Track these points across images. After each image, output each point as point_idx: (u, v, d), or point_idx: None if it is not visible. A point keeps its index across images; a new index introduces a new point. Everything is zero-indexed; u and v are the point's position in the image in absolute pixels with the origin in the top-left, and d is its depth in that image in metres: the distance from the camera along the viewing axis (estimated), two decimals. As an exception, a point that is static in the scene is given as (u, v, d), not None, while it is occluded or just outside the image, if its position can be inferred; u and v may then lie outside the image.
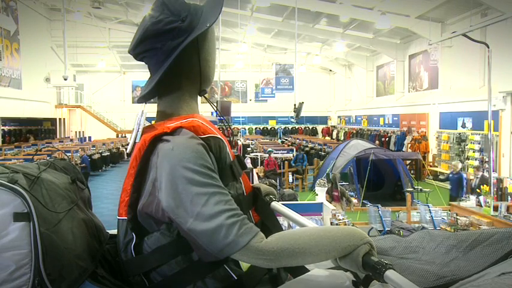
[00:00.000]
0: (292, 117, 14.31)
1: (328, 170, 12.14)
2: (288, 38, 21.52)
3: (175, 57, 1.10)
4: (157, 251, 1.06)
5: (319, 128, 30.69)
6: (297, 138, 22.79)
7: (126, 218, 1.08)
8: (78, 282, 1.01)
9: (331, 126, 30.25)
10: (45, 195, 1.03)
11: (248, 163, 14.16)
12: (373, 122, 23.49)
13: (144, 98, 1.18)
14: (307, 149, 18.42)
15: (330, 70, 29.61)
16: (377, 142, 19.51)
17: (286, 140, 24.96)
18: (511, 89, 11.70)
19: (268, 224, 1.24)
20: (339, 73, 28.57)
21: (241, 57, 25.92)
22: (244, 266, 1.09)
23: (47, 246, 0.96)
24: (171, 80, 1.15)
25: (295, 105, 12.98)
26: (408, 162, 15.02)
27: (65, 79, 13.76)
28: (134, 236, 1.07)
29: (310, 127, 30.57)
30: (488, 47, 7.13)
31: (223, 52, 24.01)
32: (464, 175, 10.29)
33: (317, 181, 8.62)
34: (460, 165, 10.55)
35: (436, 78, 16.88)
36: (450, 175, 10.63)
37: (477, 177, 9.80)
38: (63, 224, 1.03)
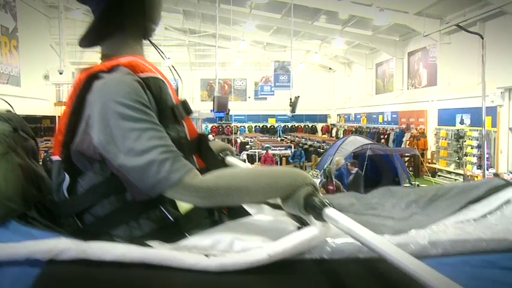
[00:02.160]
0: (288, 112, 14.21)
1: (325, 166, 12.07)
2: (287, 35, 21.39)
3: None
4: (89, 191, 1.02)
5: (319, 126, 30.62)
6: (296, 136, 22.71)
7: (59, 158, 1.04)
8: (1, 221, 0.97)
9: (331, 124, 30.18)
10: None
11: (245, 159, 14.14)
12: (372, 119, 23.39)
13: (83, 41, 1.15)
14: (306, 146, 18.35)
15: (330, 68, 29.51)
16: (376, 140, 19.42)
17: (285, 138, 24.87)
18: (509, 84, 11.62)
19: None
20: (339, 71, 28.47)
21: (241, 55, 25.86)
22: (183, 208, 1.05)
23: None
24: (112, 21, 1.11)
25: (290, 99, 12.93)
26: (407, 159, 14.94)
27: (60, 73, 13.71)
28: (67, 176, 1.03)
29: (310, 125, 30.50)
30: (483, 38, 7.07)
31: (222, 50, 23.94)
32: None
33: (310, 172, 8.57)
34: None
35: (435, 75, 16.80)
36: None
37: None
38: None
